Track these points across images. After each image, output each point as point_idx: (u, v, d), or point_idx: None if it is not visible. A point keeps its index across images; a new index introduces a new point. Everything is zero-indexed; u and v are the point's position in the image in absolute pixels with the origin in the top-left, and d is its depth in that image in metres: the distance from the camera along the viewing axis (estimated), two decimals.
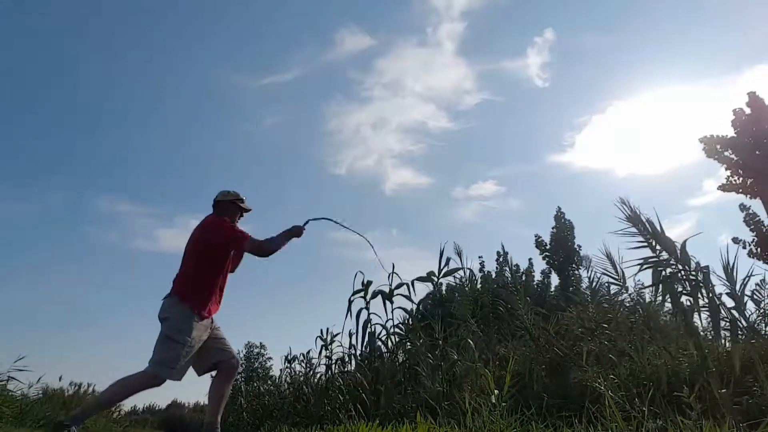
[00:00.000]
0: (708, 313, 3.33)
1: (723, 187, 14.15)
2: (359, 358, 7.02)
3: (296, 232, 3.66)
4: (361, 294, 6.63)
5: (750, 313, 3.47)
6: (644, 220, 3.59)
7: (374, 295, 6.55)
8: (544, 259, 17.46)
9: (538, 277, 16.63)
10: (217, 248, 3.52)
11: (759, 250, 13.74)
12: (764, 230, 13.85)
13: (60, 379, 10.21)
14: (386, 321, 6.53)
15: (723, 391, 2.82)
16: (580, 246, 17.33)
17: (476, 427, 3.13)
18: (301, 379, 8.84)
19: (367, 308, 6.60)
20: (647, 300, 4.69)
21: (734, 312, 3.25)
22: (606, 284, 5.68)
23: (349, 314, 6.60)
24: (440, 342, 5.49)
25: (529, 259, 16.64)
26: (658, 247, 3.54)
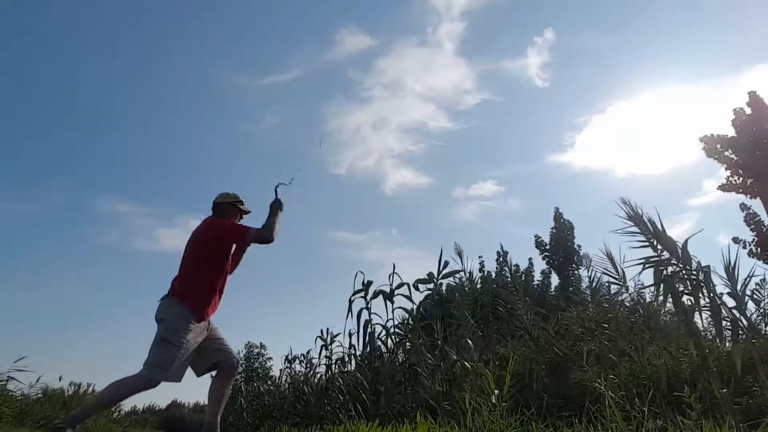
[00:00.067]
0: (709, 312, 3.33)
1: (723, 187, 14.15)
2: (359, 358, 7.02)
3: (278, 206, 3.68)
4: (362, 294, 6.63)
5: (750, 313, 3.47)
6: (646, 220, 3.59)
7: (375, 295, 6.54)
8: (543, 259, 17.47)
9: (538, 277, 16.63)
10: (218, 248, 3.51)
11: (759, 249, 13.74)
12: (764, 230, 13.85)
13: (60, 379, 10.21)
14: (387, 321, 6.54)
15: (724, 391, 2.81)
16: (579, 246, 17.34)
17: (476, 427, 3.13)
18: (302, 379, 8.84)
19: (367, 308, 6.60)
20: (647, 300, 4.68)
21: (735, 312, 3.25)
22: (606, 284, 5.68)
23: (350, 314, 6.60)
24: (439, 342, 5.48)
25: (529, 259, 16.63)
26: (659, 246, 3.53)
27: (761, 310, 3.92)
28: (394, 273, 6.39)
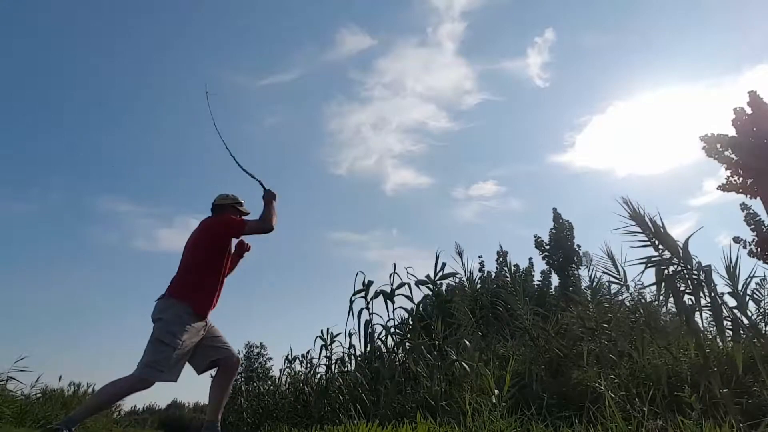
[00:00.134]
0: (709, 312, 3.32)
1: (723, 187, 14.15)
2: (359, 358, 7.02)
3: (271, 196, 3.75)
4: (362, 294, 6.63)
5: (751, 313, 3.47)
6: (647, 219, 3.59)
7: (375, 296, 6.54)
8: (543, 259, 17.48)
9: (538, 277, 16.64)
10: (217, 247, 3.52)
11: (759, 249, 13.74)
12: (764, 230, 13.85)
13: (60, 379, 10.23)
14: (387, 321, 6.53)
15: (725, 391, 2.81)
16: (579, 246, 17.36)
17: (476, 427, 3.13)
18: (302, 379, 8.85)
19: (368, 308, 6.60)
20: (648, 299, 4.68)
21: (736, 311, 3.24)
22: (607, 283, 5.68)
23: (351, 314, 6.60)
24: (437, 342, 5.49)
25: (530, 259, 16.65)
26: (660, 246, 3.53)
27: (761, 310, 3.92)
28: (395, 273, 6.40)
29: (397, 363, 6.20)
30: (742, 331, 3.24)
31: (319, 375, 8.18)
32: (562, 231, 17.75)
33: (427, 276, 6.28)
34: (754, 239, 13.98)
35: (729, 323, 3.25)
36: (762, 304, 3.96)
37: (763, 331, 3.48)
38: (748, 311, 3.30)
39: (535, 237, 18.21)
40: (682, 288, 3.36)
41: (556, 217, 18.14)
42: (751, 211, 14.20)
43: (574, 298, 6.45)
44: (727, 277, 3.35)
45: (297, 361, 9.48)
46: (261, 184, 3.85)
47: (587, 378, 3.80)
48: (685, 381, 3.14)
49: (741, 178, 13.84)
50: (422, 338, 5.78)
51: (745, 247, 13.83)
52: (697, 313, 3.31)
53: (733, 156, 13.87)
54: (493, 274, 13.77)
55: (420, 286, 6.30)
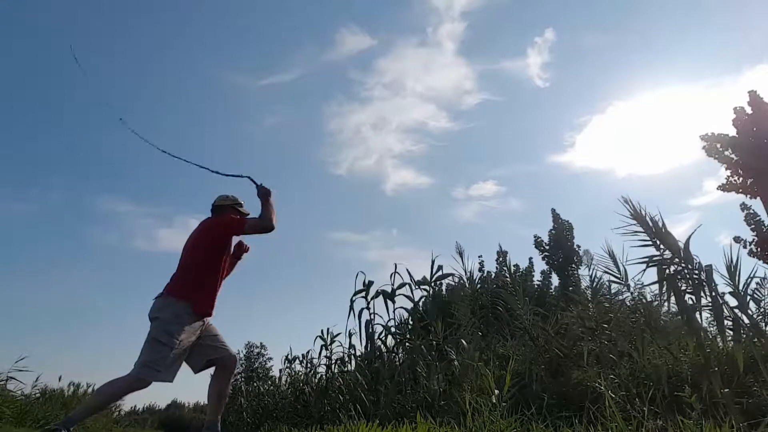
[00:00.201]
0: (710, 312, 3.32)
1: (723, 187, 14.15)
2: (359, 358, 7.02)
3: (266, 194, 3.69)
4: (362, 294, 6.63)
5: (752, 312, 3.47)
6: (648, 219, 3.58)
7: (376, 295, 6.55)
8: (543, 259, 17.46)
9: (538, 277, 16.62)
10: (217, 247, 3.52)
11: (759, 249, 13.75)
12: (764, 230, 13.85)
13: (60, 379, 10.23)
14: (388, 321, 6.54)
15: (726, 390, 2.81)
16: (579, 246, 17.34)
17: (476, 427, 3.13)
18: (302, 379, 8.84)
19: (368, 308, 6.60)
20: (649, 299, 4.67)
21: (737, 311, 3.24)
22: (607, 283, 5.67)
23: (352, 314, 6.60)
24: (434, 343, 5.50)
25: (530, 259, 16.63)
26: (661, 246, 3.52)
27: (762, 310, 3.92)
28: (396, 273, 6.40)
29: (397, 363, 6.21)
30: (742, 331, 3.24)
31: (319, 375, 8.18)
32: (561, 231, 17.74)
33: (423, 277, 6.31)
34: (754, 239, 13.98)
35: (730, 323, 3.25)
36: (762, 304, 3.95)
37: (764, 331, 3.48)
38: (749, 311, 3.30)
39: (534, 237, 18.20)
40: (683, 287, 3.36)
41: (555, 217, 18.13)
42: (751, 211, 14.20)
43: (574, 298, 6.44)
44: (728, 276, 3.35)
45: (297, 361, 9.47)
46: (252, 180, 3.78)
47: (587, 378, 3.80)
48: (686, 381, 3.14)
49: (741, 178, 13.83)
50: (422, 338, 5.78)
51: (745, 247, 13.83)
52: (698, 312, 3.31)
53: (733, 156, 13.86)
54: (493, 274, 13.77)
55: (417, 287, 6.33)
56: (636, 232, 3.67)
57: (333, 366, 7.79)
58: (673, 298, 3.40)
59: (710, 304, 3.23)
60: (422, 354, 5.47)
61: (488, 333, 6.41)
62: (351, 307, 6.62)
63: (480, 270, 13.19)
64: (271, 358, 20.81)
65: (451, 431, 3.37)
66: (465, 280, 6.88)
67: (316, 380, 8.11)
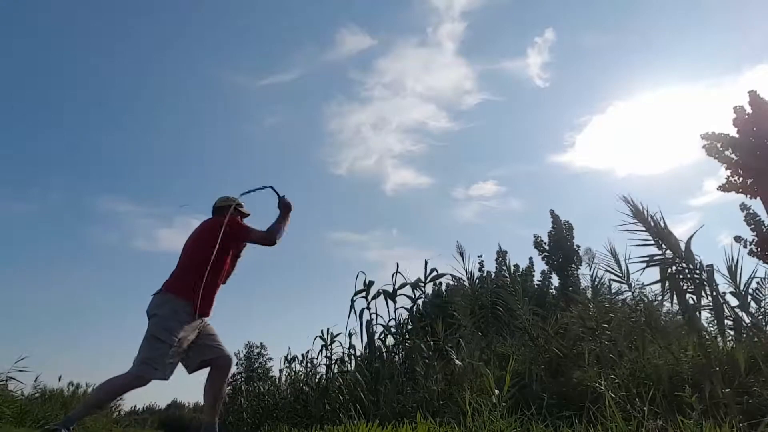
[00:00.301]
0: (711, 311, 3.33)
1: (723, 187, 14.15)
2: (359, 358, 7.02)
3: (288, 207, 3.68)
4: (363, 294, 6.63)
5: (753, 312, 3.47)
6: (650, 217, 3.59)
7: (376, 295, 6.55)
8: (543, 259, 17.46)
9: (538, 277, 16.62)
10: (218, 248, 3.51)
11: (759, 249, 13.75)
12: (764, 230, 13.85)
13: (59, 379, 10.25)
14: (388, 321, 6.53)
15: (727, 390, 2.81)
16: (579, 246, 17.34)
17: (476, 427, 3.12)
18: (302, 379, 8.84)
19: (368, 308, 6.60)
20: (650, 299, 4.66)
21: (738, 311, 3.24)
22: (607, 282, 5.67)
23: (353, 314, 6.60)
24: (432, 343, 5.50)
25: (530, 259, 16.64)
26: (663, 245, 3.53)
27: (762, 309, 3.91)
28: (397, 272, 6.40)
29: (397, 363, 6.20)
30: (743, 331, 3.24)
31: (319, 375, 8.18)
32: (561, 232, 17.73)
33: (418, 279, 6.33)
34: (754, 239, 13.99)
35: (730, 322, 3.25)
36: (763, 304, 3.95)
37: (765, 330, 3.47)
38: (750, 310, 3.30)
39: (534, 237, 18.20)
40: (684, 287, 3.36)
41: (555, 219, 18.12)
42: (751, 212, 14.21)
43: (575, 298, 6.44)
44: (728, 276, 3.35)
45: (297, 362, 9.46)
46: (274, 190, 3.76)
47: (587, 378, 3.80)
48: (686, 381, 3.14)
49: (741, 178, 13.84)
50: (422, 338, 5.78)
51: (745, 247, 13.84)
52: (698, 312, 3.31)
53: (733, 156, 13.87)
54: (493, 274, 13.77)
55: (412, 289, 6.35)
56: (637, 231, 3.67)
57: (333, 366, 7.78)
58: (674, 298, 3.40)
59: (711, 304, 3.23)
60: (421, 354, 5.46)
61: (488, 333, 6.41)
62: (351, 307, 6.62)
63: (480, 270, 13.19)
64: (271, 359, 20.80)
65: (451, 431, 3.37)
66: (465, 280, 6.88)
67: (316, 380, 8.11)
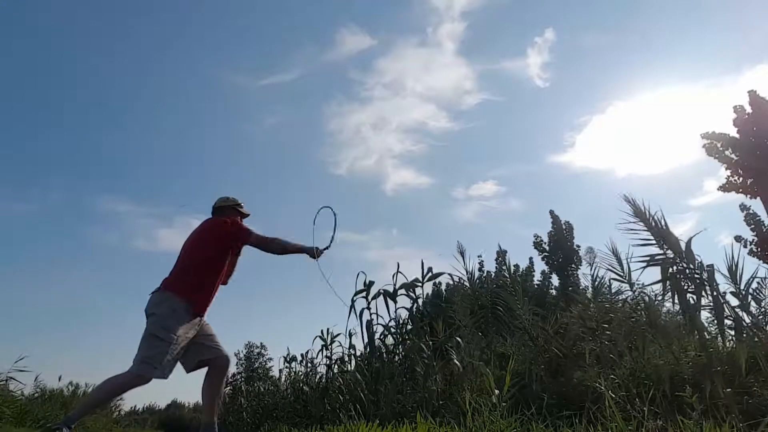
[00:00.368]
0: (710, 311, 3.33)
1: (723, 187, 14.15)
2: (359, 358, 7.01)
3: (311, 252, 3.65)
4: (363, 294, 6.62)
5: (753, 312, 3.47)
6: (651, 217, 3.59)
7: (376, 296, 6.54)
8: (543, 259, 17.47)
9: (538, 277, 16.63)
10: (219, 248, 3.51)
11: (759, 249, 13.75)
12: (764, 230, 13.86)
13: (59, 379, 10.26)
14: (389, 321, 6.53)
15: (728, 390, 2.81)
16: (579, 246, 17.34)
17: (476, 427, 3.12)
18: (302, 379, 8.83)
19: (368, 308, 6.59)
20: (650, 298, 4.66)
21: (738, 310, 3.24)
22: (608, 282, 5.67)
23: (353, 313, 6.59)
24: (431, 342, 5.49)
25: (530, 259, 16.65)
26: (664, 245, 3.53)
27: (762, 309, 3.92)
28: (398, 272, 6.39)
29: (397, 363, 6.20)
30: (743, 331, 3.24)
31: (319, 375, 8.17)
32: (560, 232, 17.73)
33: (415, 279, 6.32)
34: (754, 239, 13.99)
35: (731, 322, 3.25)
36: (763, 303, 3.95)
37: (766, 330, 3.47)
38: (750, 310, 3.30)
39: (534, 237, 18.19)
40: (684, 287, 3.36)
41: (555, 219, 18.11)
42: (751, 212, 14.21)
43: (575, 298, 6.44)
44: (728, 276, 3.35)
45: (296, 361, 9.46)
46: (325, 249, 3.75)
47: (587, 378, 3.80)
48: (686, 381, 3.14)
49: (741, 178, 13.84)
50: (422, 338, 5.78)
51: (745, 247, 13.85)
52: (699, 312, 3.31)
53: (733, 156, 13.87)
54: (493, 274, 13.77)
55: (407, 291, 6.34)
56: (638, 230, 3.67)
57: (333, 366, 7.78)
58: (675, 297, 3.40)
59: (711, 304, 3.23)
60: (421, 354, 5.46)
61: (488, 333, 6.40)
62: (352, 307, 6.61)
63: (480, 270, 13.19)
64: (271, 359, 20.78)
65: (451, 431, 3.37)
66: (465, 279, 6.87)
67: (316, 380, 8.11)
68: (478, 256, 13.22)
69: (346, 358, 7.55)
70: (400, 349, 6.47)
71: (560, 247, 17.39)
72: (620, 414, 2.60)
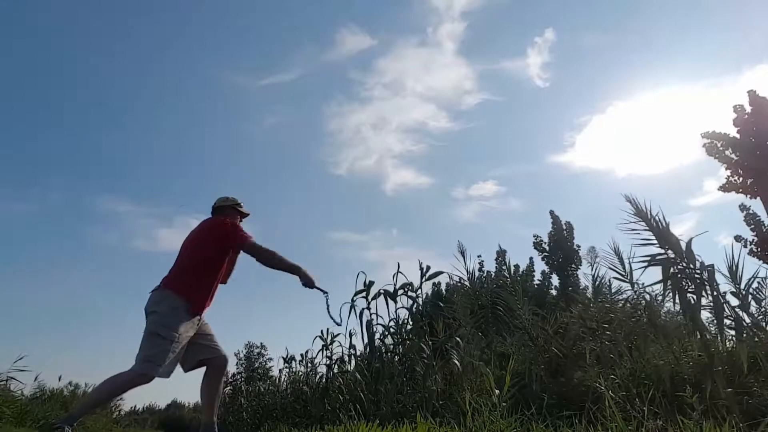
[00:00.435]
0: (710, 311, 3.33)
1: (723, 187, 14.16)
2: (359, 358, 7.01)
3: (306, 277, 3.55)
4: (363, 294, 6.62)
5: (753, 312, 3.47)
6: (652, 217, 3.59)
7: (377, 296, 6.54)
8: (543, 259, 17.47)
9: (538, 277, 16.63)
10: (218, 248, 3.50)
11: (759, 249, 13.76)
12: (764, 230, 13.86)
13: (59, 379, 10.27)
14: (389, 321, 6.53)
15: (729, 390, 2.81)
16: (579, 246, 17.34)
17: (476, 427, 3.12)
18: (302, 379, 8.84)
19: (368, 308, 6.59)
20: (650, 298, 4.66)
21: (738, 310, 3.24)
22: (609, 281, 5.67)
23: (353, 313, 6.59)
24: (431, 342, 5.49)
25: (530, 259, 16.65)
26: (665, 245, 3.53)
27: (762, 309, 3.92)
28: (398, 272, 6.39)
29: (397, 363, 6.20)
30: (744, 331, 3.24)
31: (319, 375, 8.17)
32: (560, 232, 17.74)
33: (412, 284, 6.33)
34: (754, 239, 13.99)
35: (731, 322, 3.26)
36: (764, 303, 3.96)
37: (766, 330, 3.47)
38: (750, 310, 3.30)
39: (534, 237, 18.19)
40: (685, 287, 3.36)
41: (555, 219, 18.11)
42: (751, 212, 14.22)
43: (575, 298, 6.44)
44: (729, 276, 3.35)
45: (295, 361, 9.45)
46: (326, 295, 3.72)
47: (587, 378, 3.80)
48: (686, 381, 3.14)
49: (741, 178, 13.84)
50: (421, 338, 5.78)
51: (745, 246, 13.85)
52: (699, 312, 3.31)
53: (733, 156, 13.87)
54: (493, 274, 13.77)
55: (404, 293, 6.34)
56: (639, 230, 3.67)
57: (333, 366, 7.78)
58: (676, 297, 3.40)
59: (711, 304, 3.23)
60: (420, 354, 5.46)
61: (488, 333, 6.40)
62: (352, 307, 6.61)
63: (480, 270, 13.20)
64: (271, 359, 20.78)
65: (451, 431, 3.37)
66: (466, 279, 6.87)
67: (316, 380, 8.11)
68: (478, 257, 13.24)
69: (346, 358, 7.55)
70: (400, 349, 6.47)
71: (560, 247, 17.39)
72: (620, 414, 2.60)
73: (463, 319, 5.75)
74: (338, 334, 7.73)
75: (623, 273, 4.35)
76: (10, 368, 7.04)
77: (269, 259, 3.49)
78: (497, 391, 3.20)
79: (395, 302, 6.42)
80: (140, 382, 3.11)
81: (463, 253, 6.58)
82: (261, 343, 21.43)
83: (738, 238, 13.76)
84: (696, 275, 3.34)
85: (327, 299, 3.74)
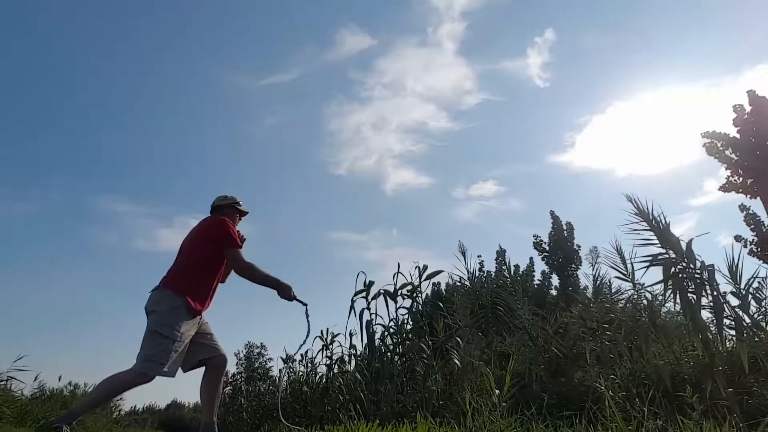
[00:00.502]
0: (710, 311, 3.33)
1: (723, 187, 14.16)
2: (359, 358, 7.01)
3: (286, 290, 3.54)
4: (363, 294, 6.62)
5: (754, 311, 3.47)
6: (653, 217, 3.59)
7: (376, 296, 6.54)
8: (543, 259, 17.46)
9: (538, 277, 16.62)
10: (216, 247, 3.50)
11: (759, 249, 13.76)
12: (764, 230, 13.86)
13: (59, 379, 10.27)
14: (389, 321, 6.53)
15: (729, 390, 2.81)
16: (579, 246, 17.33)
17: (476, 427, 3.12)
18: (302, 379, 8.84)
19: (368, 308, 6.59)
20: (651, 298, 4.66)
21: (738, 310, 3.24)
22: (609, 281, 5.67)
23: (353, 314, 6.59)
24: (431, 342, 5.49)
25: (530, 259, 16.63)
26: (666, 245, 3.53)
27: (762, 309, 3.92)
28: (398, 272, 6.40)
29: (397, 363, 6.20)
30: (744, 331, 3.24)
31: (319, 375, 8.17)
32: (560, 232, 17.73)
33: (411, 283, 6.33)
34: (754, 239, 14.00)
35: (731, 322, 3.26)
36: (763, 303, 3.96)
37: (766, 329, 3.47)
38: (750, 310, 3.30)
39: (534, 237, 18.17)
40: (685, 286, 3.36)
41: (555, 219, 18.10)
42: (751, 212, 14.22)
43: (575, 298, 6.44)
44: (729, 276, 3.35)
45: (294, 361, 9.46)
46: (306, 307, 3.77)
47: (588, 378, 3.80)
48: (687, 381, 3.14)
49: (741, 178, 13.84)
50: (421, 338, 5.78)
51: (745, 246, 13.86)
52: (699, 312, 3.31)
53: (733, 156, 13.88)
54: (493, 274, 13.77)
55: (402, 294, 6.35)
56: (640, 230, 3.67)
57: (333, 366, 7.78)
58: (677, 297, 3.40)
59: (711, 304, 3.23)
60: (420, 354, 5.46)
61: (488, 333, 6.40)
62: (352, 307, 6.61)
63: (480, 270, 13.19)
64: (271, 359, 20.79)
65: (451, 431, 3.37)
66: (466, 279, 6.88)
67: (316, 380, 8.11)
68: (478, 257, 13.23)
69: (346, 358, 7.55)
70: (400, 349, 6.47)
71: (560, 247, 17.38)
72: (620, 414, 2.60)
73: (463, 319, 5.75)
74: (338, 334, 7.74)
75: (625, 273, 4.35)
76: (10, 368, 7.05)
77: (246, 270, 3.46)
78: (497, 391, 3.20)
79: (395, 302, 6.43)
80: (141, 381, 3.09)
81: (463, 253, 6.59)
82: (261, 343, 21.46)
83: (738, 238, 13.77)
84: (696, 275, 3.34)
85: (306, 310, 3.79)
